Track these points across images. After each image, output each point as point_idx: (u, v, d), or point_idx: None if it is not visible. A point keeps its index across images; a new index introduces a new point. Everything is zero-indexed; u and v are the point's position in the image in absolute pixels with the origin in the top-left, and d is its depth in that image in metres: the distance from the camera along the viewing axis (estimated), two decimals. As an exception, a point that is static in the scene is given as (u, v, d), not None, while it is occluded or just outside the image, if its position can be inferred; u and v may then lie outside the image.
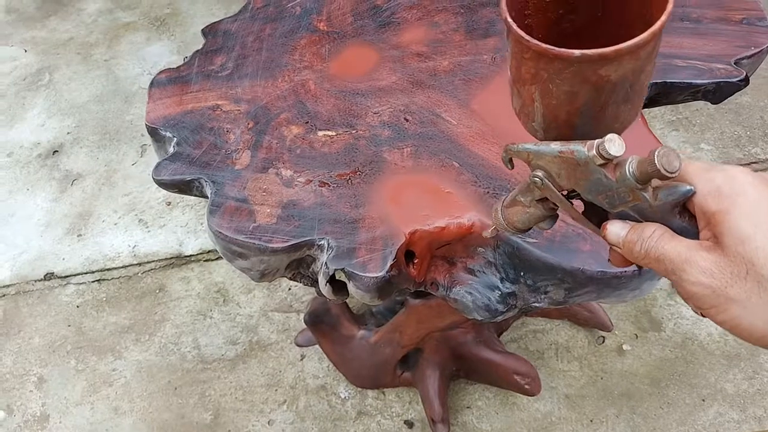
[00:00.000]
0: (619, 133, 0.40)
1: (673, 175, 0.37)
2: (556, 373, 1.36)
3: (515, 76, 0.43)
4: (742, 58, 0.74)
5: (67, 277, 1.64)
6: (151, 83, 0.84)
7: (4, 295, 1.62)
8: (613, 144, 0.38)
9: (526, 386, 1.19)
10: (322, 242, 0.66)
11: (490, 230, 0.54)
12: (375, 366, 1.32)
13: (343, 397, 1.38)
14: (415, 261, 0.67)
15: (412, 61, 0.84)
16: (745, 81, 0.72)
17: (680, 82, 0.73)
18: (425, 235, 0.66)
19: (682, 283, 0.38)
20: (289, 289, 1.58)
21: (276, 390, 1.40)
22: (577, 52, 0.37)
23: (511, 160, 0.47)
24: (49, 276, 1.65)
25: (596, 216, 0.44)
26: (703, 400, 1.29)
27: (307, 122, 0.78)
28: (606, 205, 0.41)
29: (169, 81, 0.85)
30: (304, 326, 1.46)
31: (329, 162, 0.73)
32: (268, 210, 0.69)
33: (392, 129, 0.76)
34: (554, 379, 1.35)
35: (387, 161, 0.73)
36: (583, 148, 0.40)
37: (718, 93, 0.73)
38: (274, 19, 0.92)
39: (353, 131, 0.76)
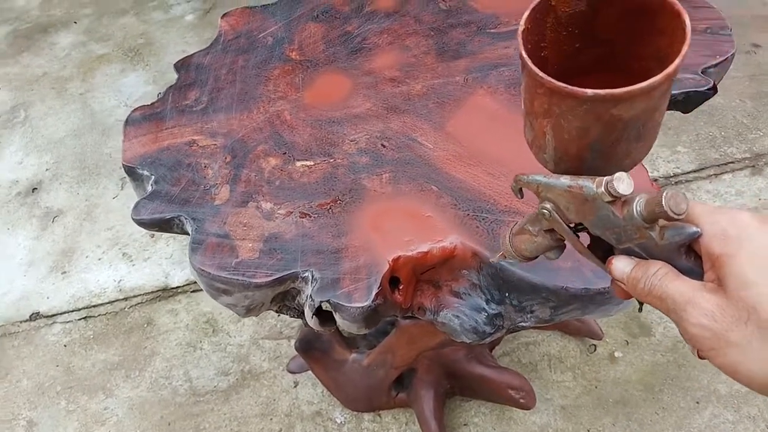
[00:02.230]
0: (629, 169, 0.40)
1: (680, 217, 0.37)
2: (551, 384, 1.36)
3: (528, 108, 0.43)
4: (709, 67, 0.75)
5: (53, 316, 1.62)
6: (126, 121, 0.84)
7: (-12, 339, 1.60)
8: (622, 182, 0.38)
9: (521, 400, 1.19)
10: (306, 274, 0.66)
11: (497, 256, 0.54)
12: (369, 389, 1.31)
13: (339, 422, 1.37)
14: (401, 287, 0.67)
15: (385, 86, 0.84)
16: (713, 89, 0.73)
17: (650, 94, 0.74)
18: (409, 260, 0.66)
19: (683, 324, 0.38)
20: (279, 315, 1.57)
21: (271, 419, 1.39)
22: (589, 91, 0.37)
23: (521, 190, 0.48)
24: (35, 316, 1.63)
25: (602, 250, 0.44)
26: (698, 403, 1.29)
27: (285, 153, 0.78)
28: (612, 241, 0.41)
29: (144, 118, 0.84)
30: (296, 353, 1.46)
31: (309, 192, 0.73)
32: (250, 244, 0.69)
33: (370, 156, 0.76)
34: (549, 390, 1.35)
35: (366, 188, 0.73)
36: (591, 185, 0.40)
37: (687, 102, 0.74)
38: (246, 50, 0.92)
39: (331, 160, 0.76)
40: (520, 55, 0.40)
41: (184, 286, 1.64)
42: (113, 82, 2.22)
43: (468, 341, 0.68)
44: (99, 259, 1.73)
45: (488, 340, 0.68)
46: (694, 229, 0.38)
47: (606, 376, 1.35)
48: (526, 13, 0.41)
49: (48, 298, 1.66)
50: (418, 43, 0.89)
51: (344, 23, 0.94)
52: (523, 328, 0.68)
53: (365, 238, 0.68)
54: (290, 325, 1.54)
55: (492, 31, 0.89)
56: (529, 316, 0.67)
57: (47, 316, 1.62)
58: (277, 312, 0.73)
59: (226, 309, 1.57)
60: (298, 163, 0.77)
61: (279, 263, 0.67)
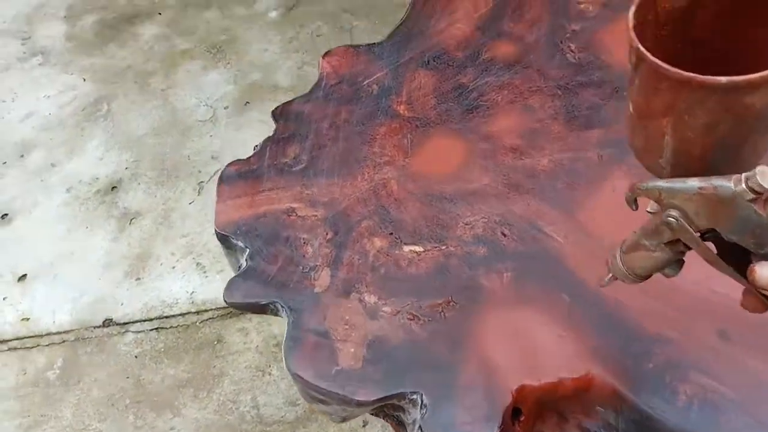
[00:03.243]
0: (754, 168, 0.37)
1: None
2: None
3: (642, 110, 0.41)
4: None
5: (125, 324, 1.62)
6: (221, 178, 0.78)
7: (63, 341, 1.61)
8: (765, 176, 0.35)
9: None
10: (415, 396, 0.58)
11: (607, 279, 0.51)
12: None
13: (408, 469, 1.30)
14: (521, 419, 0.58)
15: (505, 157, 0.74)
16: None
17: None
18: (534, 390, 0.57)
19: None
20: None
21: (337, 457, 1.34)
22: (723, 79, 0.35)
23: (635, 200, 0.44)
24: (108, 322, 1.63)
25: (733, 259, 0.40)
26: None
27: (391, 233, 0.70)
28: (752, 246, 0.38)
29: (240, 176, 0.78)
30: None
31: (417, 287, 0.65)
32: (353, 349, 0.61)
33: (488, 246, 0.67)
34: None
35: (485, 288, 0.64)
36: (728, 183, 0.36)
37: None
38: (349, 99, 0.84)
39: (443, 247, 0.68)
40: (636, 50, 0.38)
41: (255, 303, 1.61)
42: (195, 80, 2.19)
43: (596, 483, 0.59)
44: (173, 267, 1.71)
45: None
46: None
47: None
48: (633, 8, 0.40)
49: (122, 304, 1.65)
50: (544, 103, 0.78)
51: (458, 73, 0.84)
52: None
53: (484, 355, 0.59)
54: (362, 356, 1.48)
55: (631, 95, 0.77)
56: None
57: (120, 324, 1.62)
58: (374, 415, 0.65)
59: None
60: (406, 248, 0.68)
61: (384, 379, 0.59)
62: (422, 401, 0.57)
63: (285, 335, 0.64)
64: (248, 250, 0.70)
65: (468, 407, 0.56)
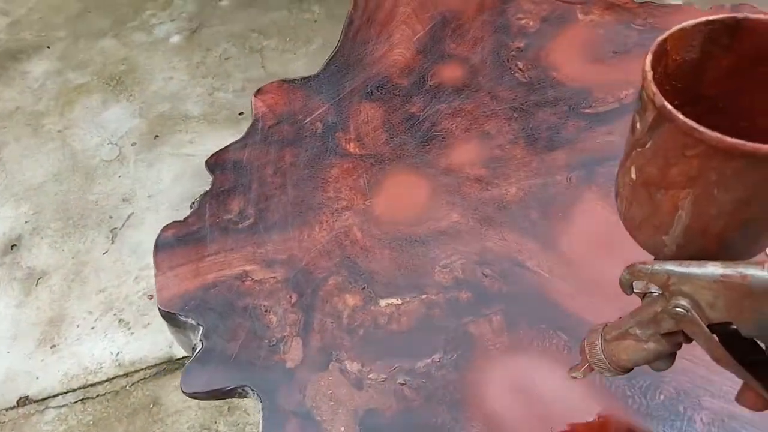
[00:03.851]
0: None
1: None
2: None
3: (653, 179, 0.34)
4: None
5: (44, 400, 1.44)
6: (156, 246, 0.68)
7: (-28, 431, 1.42)
8: None
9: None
10: (421, 472, 0.52)
11: (581, 370, 0.45)
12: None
13: None
14: (536, 477, 0.53)
15: (471, 189, 0.70)
16: None
17: None
18: (548, 447, 0.53)
19: None
20: (302, 386, 1.42)
21: None
22: None
23: (631, 285, 0.39)
24: (24, 401, 1.45)
25: (736, 352, 0.35)
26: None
27: (364, 288, 0.63)
28: None
29: (179, 241, 0.68)
30: None
31: (403, 346, 0.59)
32: (342, 428, 0.54)
33: (470, 289, 0.62)
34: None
35: (475, 337, 0.59)
36: (763, 273, 0.31)
37: None
38: (292, 141, 0.77)
39: (423, 296, 0.62)
40: (661, 108, 0.32)
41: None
42: (95, 117, 2.02)
43: None
44: (92, 328, 1.55)
45: None
46: None
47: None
48: (649, 57, 0.33)
49: (38, 378, 1.48)
50: (501, 128, 0.75)
51: (406, 102, 0.79)
52: None
53: (488, 412, 0.54)
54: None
55: (587, 111, 0.75)
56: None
57: (38, 401, 1.44)
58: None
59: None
60: (383, 302, 0.62)
61: (385, 457, 0.52)
62: (431, 480, 0.51)
63: (261, 423, 0.56)
64: (201, 327, 0.62)
65: (483, 479, 0.51)
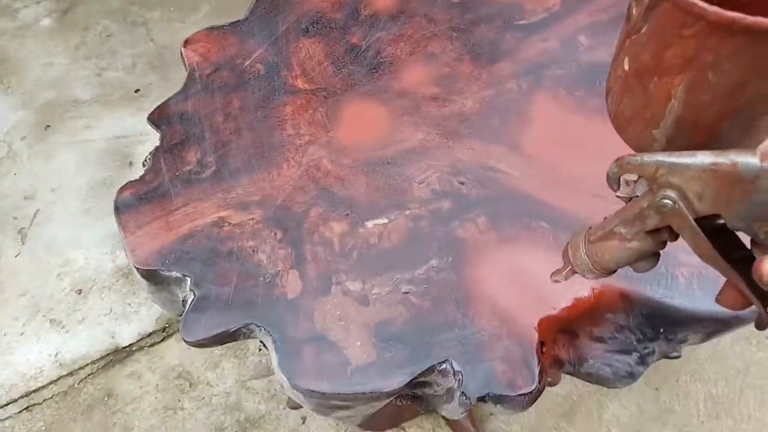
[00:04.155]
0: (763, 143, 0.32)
1: None
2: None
3: (647, 66, 0.34)
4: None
5: (-17, 417, 1.34)
6: (117, 208, 0.65)
7: None
8: None
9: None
10: (444, 366, 0.54)
11: (564, 273, 0.45)
12: (393, 405, 1.23)
13: (362, 450, 1.27)
14: (544, 351, 0.57)
15: (429, 108, 0.72)
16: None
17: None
18: (553, 321, 0.57)
19: None
20: (260, 349, 1.41)
21: (288, 467, 1.26)
22: None
23: (619, 179, 0.38)
24: (-41, 424, 1.34)
25: (719, 249, 0.35)
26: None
27: (347, 214, 0.64)
28: (762, 236, 0.32)
29: (140, 200, 0.65)
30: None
31: (398, 259, 0.61)
32: (358, 343, 0.55)
33: (451, 199, 0.64)
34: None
35: (465, 240, 0.62)
36: (753, 159, 0.30)
37: None
38: (236, 86, 0.75)
39: (406, 212, 0.64)
40: None
41: (138, 341, 1.43)
42: (-30, 115, 1.84)
43: (620, 387, 0.61)
44: (21, 334, 1.45)
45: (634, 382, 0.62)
46: None
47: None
48: None
49: (-30, 397, 1.36)
50: (444, 48, 0.76)
51: (345, 34, 0.79)
52: (673, 358, 0.62)
53: (493, 303, 0.57)
54: (276, 358, 1.39)
55: (521, 23, 0.78)
56: (680, 345, 0.61)
57: (-24, 420, 1.34)
58: (395, 401, 0.61)
59: (196, 355, 1.39)
60: (369, 224, 0.63)
61: (406, 361, 0.54)
62: (453, 368, 0.54)
63: (275, 356, 0.56)
64: (189, 278, 0.60)
65: (502, 357, 0.54)
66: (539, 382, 0.53)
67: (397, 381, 0.53)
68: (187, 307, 0.58)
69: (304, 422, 1.30)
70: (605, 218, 0.41)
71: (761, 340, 1.39)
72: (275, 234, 0.63)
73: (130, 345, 1.42)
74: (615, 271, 0.42)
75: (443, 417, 1.27)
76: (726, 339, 1.39)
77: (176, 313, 0.65)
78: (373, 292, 0.59)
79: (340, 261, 0.61)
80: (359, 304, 0.58)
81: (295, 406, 1.33)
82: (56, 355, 1.41)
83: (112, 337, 1.43)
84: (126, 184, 0.67)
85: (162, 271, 0.60)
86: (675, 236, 0.37)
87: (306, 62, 0.76)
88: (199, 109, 0.73)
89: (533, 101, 0.71)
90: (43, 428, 1.32)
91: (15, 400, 1.35)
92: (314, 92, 0.73)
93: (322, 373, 0.54)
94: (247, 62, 0.76)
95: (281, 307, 0.58)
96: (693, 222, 0.34)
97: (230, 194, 0.66)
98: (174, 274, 0.60)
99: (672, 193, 0.34)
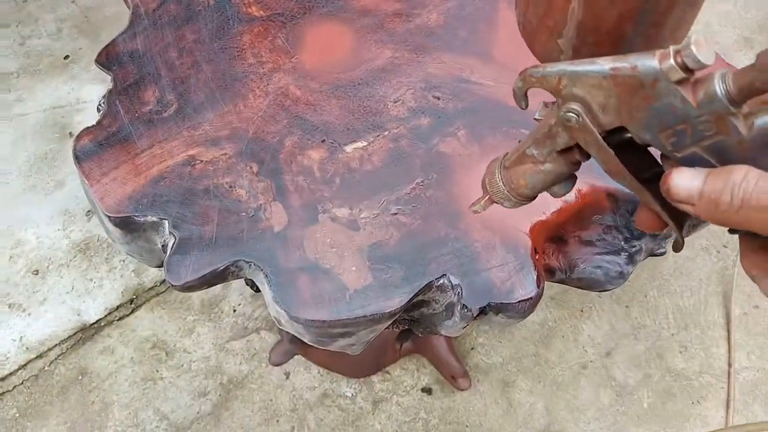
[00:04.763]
0: None
1: None
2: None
3: None
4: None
5: (-50, 412, 1.28)
6: (76, 156, 0.60)
7: None
8: (701, 48, 0.27)
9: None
10: (441, 281, 0.53)
11: (481, 203, 0.43)
12: (375, 350, 1.23)
13: (350, 395, 1.28)
14: (536, 257, 0.57)
15: (394, 24, 0.68)
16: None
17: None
18: (544, 226, 0.56)
19: None
20: (234, 310, 1.38)
21: (277, 421, 1.25)
22: None
23: (525, 94, 0.37)
24: (-75, 421, 1.27)
25: (632, 168, 0.34)
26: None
27: (324, 140, 0.61)
28: (668, 147, 0.31)
29: (101, 146, 0.61)
30: (274, 344, 1.31)
31: (383, 181, 0.59)
32: (354, 267, 0.54)
33: (428, 114, 0.62)
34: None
35: (448, 155, 0.60)
36: (652, 60, 0.29)
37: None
38: (186, 19, 0.70)
39: (385, 132, 0.61)
40: None
41: (106, 315, 1.38)
42: None
43: (612, 288, 0.61)
44: (-21, 323, 1.37)
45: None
46: None
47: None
48: None
49: (-67, 393, 1.30)
50: (399, -38, 0.73)
51: (294, -44, 0.74)
52: (659, 254, 0.63)
53: (482, 214, 0.56)
54: (251, 316, 1.38)
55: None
56: (665, 242, 0.62)
57: (-57, 414, 1.27)
58: (392, 327, 0.60)
59: (168, 324, 1.35)
60: (348, 148, 0.60)
61: (403, 280, 0.53)
62: (451, 282, 0.53)
63: (268, 291, 0.53)
64: (166, 221, 0.56)
65: (499, 265, 0.53)
66: (538, 287, 0.52)
67: (396, 301, 0.52)
68: (169, 250, 0.55)
69: (288, 378, 1.29)
70: (519, 141, 0.40)
71: (720, 250, 1.45)
72: (251, 167, 0.59)
73: (98, 321, 1.37)
74: (533, 198, 0.40)
75: (426, 356, 1.28)
76: (686, 252, 1.44)
77: (155, 264, 0.62)
78: (361, 216, 0.56)
79: (324, 188, 0.58)
80: (349, 230, 0.56)
81: (278, 362, 1.31)
82: (21, 339, 1.35)
83: (78, 315, 1.37)
84: (82, 131, 0.62)
85: (136, 216, 0.57)
86: (587, 155, 0.36)
87: (258, -11, 0.72)
88: (151, 46, 0.68)
89: (498, 8, 0.69)
90: (17, 415, 1.27)
91: (-18, 390, 1.29)
92: (270, 18, 0.69)
93: (320, 301, 0.52)
94: (194, -6, 0.71)
95: (268, 241, 0.55)
96: (598, 136, 0.33)
97: (197, 131, 0.62)
98: (150, 218, 0.57)
99: (576, 106, 0.33)
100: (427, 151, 0.60)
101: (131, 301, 1.39)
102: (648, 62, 0.29)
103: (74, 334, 1.35)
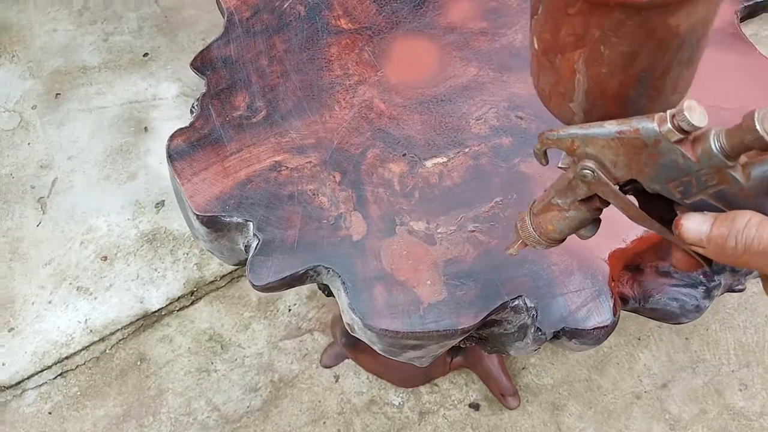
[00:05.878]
0: (675, 106, 0.33)
1: None
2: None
3: (548, 44, 0.35)
4: None
5: (18, 384, 1.34)
6: (170, 156, 0.63)
7: (-56, 434, 1.31)
8: (694, 112, 0.31)
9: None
10: (516, 302, 0.54)
11: (515, 246, 0.45)
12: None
13: (397, 404, 1.29)
14: (613, 285, 0.57)
15: (479, 43, 0.69)
16: None
17: None
18: (623, 253, 0.56)
19: None
20: (289, 310, 1.41)
21: (324, 423, 1.27)
22: None
23: (545, 153, 0.40)
24: (-6, 391, 1.34)
25: (656, 212, 0.37)
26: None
27: (404, 154, 0.62)
28: (677, 195, 0.33)
29: (193, 147, 0.64)
30: (326, 346, 1.33)
31: (461, 197, 0.59)
32: (429, 281, 0.55)
33: (510, 134, 0.63)
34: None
35: (528, 175, 0.60)
36: (651, 124, 0.32)
37: None
38: (277, 28, 0.72)
39: (466, 150, 0.62)
40: None
41: (167, 305, 1.43)
42: (-23, 85, 1.80)
43: (687, 322, 0.60)
44: (49, 302, 1.45)
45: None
46: None
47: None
48: None
49: (3, 364, 1.37)
50: (489, -18, 0.74)
51: (385, -28, 0.76)
52: (737, 290, 0.62)
53: (561, 238, 0.56)
54: (306, 317, 1.40)
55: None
56: (744, 278, 0.60)
57: (11, 386, 1.34)
58: (461, 343, 0.60)
59: (226, 318, 1.39)
60: (428, 163, 0.62)
61: (479, 298, 0.54)
62: (526, 304, 0.53)
63: (344, 297, 0.55)
64: (251, 223, 0.59)
65: (575, 291, 0.53)
66: (614, 315, 0.52)
67: (470, 318, 0.53)
68: (252, 251, 0.57)
69: (337, 381, 1.31)
70: (545, 191, 0.43)
71: (790, 285, 1.39)
72: (334, 176, 0.61)
73: (159, 309, 1.42)
74: (563, 240, 0.43)
75: (476, 371, 1.27)
76: (753, 288, 1.39)
77: (233, 262, 0.64)
78: (438, 231, 0.57)
79: (403, 201, 0.59)
80: (426, 244, 0.57)
81: (329, 365, 1.33)
82: (86, 322, 1.41)
83: (141, 302, 1.43)
84: (176, 131, 0.65)
85: (223, 216, 0.59)
86: (606, 202, 0.39)
87: (347, 2, 0.74)
88: (243, 53, 0.70)
89: (587, 33, 0.69)
90: (79, 393, 1.32)
91: (49, 367, 1.36)
92: (358, 31, 0.71)
93: (395, 312, 0.53)
94: (286, 4, 0.74)
95: (347, 249, 0.57)
96: (614, 187, 0.35)
97: (284, 138, 0.64)
98: (236, 219, 0.59)
99: (590, 163, 0.36)
100: (507, 170, 0.61)
101: (192, 293, 1.44)
102: (648, 125, 0.32)
103: (136, 320, 1.40)
